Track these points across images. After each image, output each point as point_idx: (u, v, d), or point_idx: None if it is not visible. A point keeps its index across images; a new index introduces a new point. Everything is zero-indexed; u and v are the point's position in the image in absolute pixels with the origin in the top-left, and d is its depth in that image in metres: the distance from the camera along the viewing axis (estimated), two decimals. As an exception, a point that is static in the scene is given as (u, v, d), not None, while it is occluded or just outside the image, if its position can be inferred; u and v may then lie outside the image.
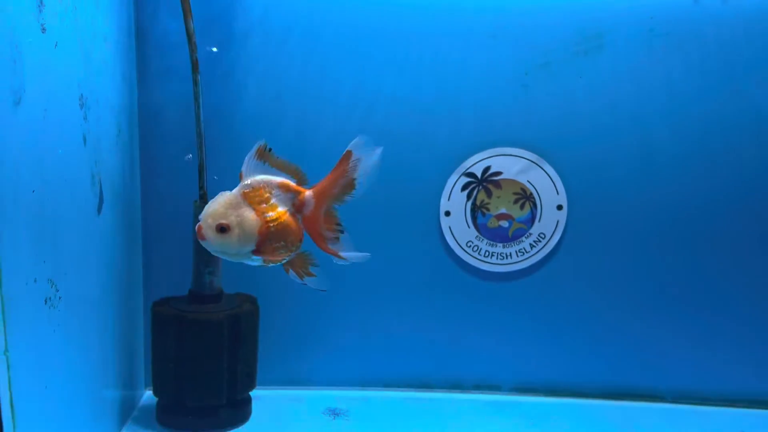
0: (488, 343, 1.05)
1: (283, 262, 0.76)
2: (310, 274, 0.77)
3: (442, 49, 0.96)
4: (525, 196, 1.01)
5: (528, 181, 1.00)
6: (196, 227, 0.72)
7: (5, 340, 0.57)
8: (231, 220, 0.71)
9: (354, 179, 0.75)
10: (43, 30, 0.64)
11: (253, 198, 0.73)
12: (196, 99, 0.88)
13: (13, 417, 0.59)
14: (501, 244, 1.02)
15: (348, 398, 1.03)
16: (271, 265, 0.75)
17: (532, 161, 0.99)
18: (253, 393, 0.96)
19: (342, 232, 0.76)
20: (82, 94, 0.73)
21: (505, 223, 1.02)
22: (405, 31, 0.96)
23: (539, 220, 1.01)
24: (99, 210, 0.80)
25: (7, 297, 0.57)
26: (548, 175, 0.99)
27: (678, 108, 0.96)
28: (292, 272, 0.77)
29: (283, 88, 0.97)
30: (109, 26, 0.82)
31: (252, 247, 0.72)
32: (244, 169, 0.73)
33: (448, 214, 1.01)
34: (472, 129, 0.99)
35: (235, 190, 0.73)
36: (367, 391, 1.06)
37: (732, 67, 0.94)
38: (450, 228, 1.02)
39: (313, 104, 0.97)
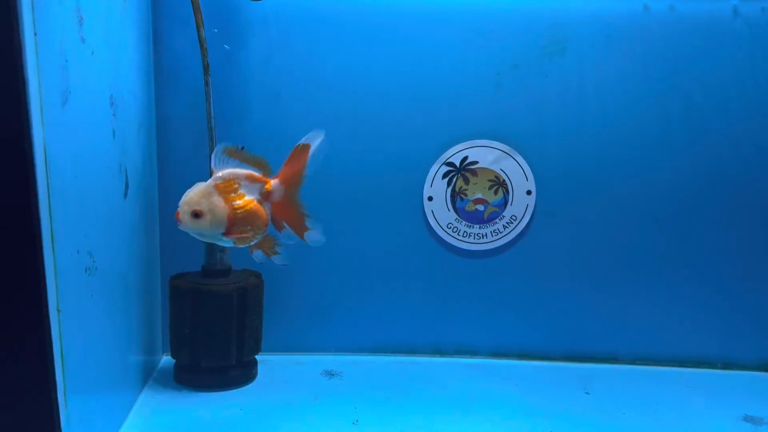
0: (466, 313, 1.15)
1: (251, 244, 0.86)
2: (275, 252, 0.88)
3: (425, 52, 1.06)
4: (498, 183, 1.12)
5: (501, 169, 1.11)
6: (175, 213, 0.82)
7: (57, 299, 0.68)
8: (203, 207, 0.82)
9: (308, 166, 0.86)
10: (83, 41, 0.75)
11: (223, 188, 0.83)
12: (207, 98, 0.99)
13: (63, 367, 0.68)
14: (478, 226, 1.13)
15: (342, 362, 1.12)
16: (241, 246, 0.86)
17: (505, 152, 1.10)
18: (258, 357, 1.06)
19: (308, 215, 0.87)
20: (112, 95, 0.84)
21: (481, 207, 1.13)
22: (393, 36, 1.05)
23: (511, 204, 1.12)
24: (125, 195, 0.91)
25: (59, 264, 0.68)
26: (519, 164, 1.11)
27: (631, 101, 1.07)
28: (258, 251, 0.88)
29: (281, 86, 1.06)
30: (132, 35, 0.93)
31: (222, 230, 0.83)
32: (212, 165, 0.84)
33: (430, 199, 1.12)
34: (451, 123, 1.08)
35: (208, 182, 0.84)
36: (358, 356, 1.15)
37: (674, 65, 1.05)
38: (432, 212, 1.12)
39: (309, 101, 1.06)
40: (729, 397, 1.04)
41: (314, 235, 0.87)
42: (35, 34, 0.61)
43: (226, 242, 0.85)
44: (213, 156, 0.84)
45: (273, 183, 0.85)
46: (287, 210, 0.87)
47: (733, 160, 1.09)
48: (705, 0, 1.03)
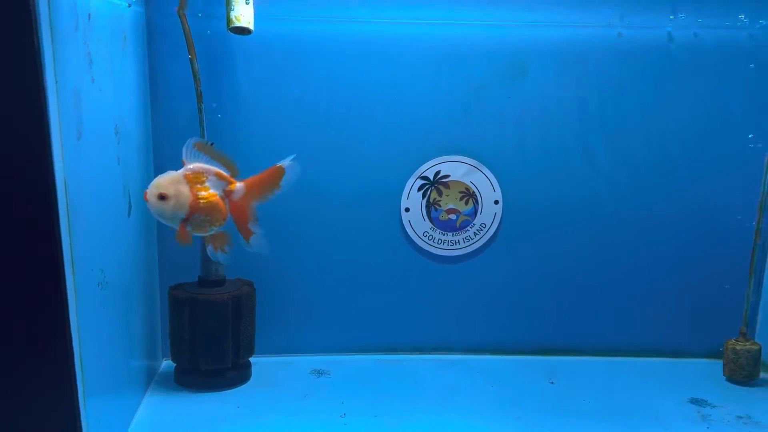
0: (442, 313, 1.23)
1: (206, 234, 0.93)
2: (223, 251, 0.95)
3: (400, 76, 1.14)
4: (469, 194, 1.21)
5: (471, 181, 1.20)
6: (143, 192, 0.89)
7: (77, 312, 0.76)
8: (170, 191, 0.89)
9: (279, 186, 0.95)
10: (93, 80, 0.83)
11: (191, 179, 0.90)
12: (201, 123, 1.08)
13: (82, 372, 0.75)
14: (451, 233, 1.22)
15: (329, 362, 1.19)
16: (196, 233, 0.93)
17: (473, 166, 1.19)
18: (252, 359, 1.13)
19: (256, 221, 0.96)
20: (116, 125, 0.92)
21: (453, 216, 1.21)
22: (372, 62, 1.13)
23: (480, 213, 1.21)
24: (129, 213, 0.99)
25: (78, 281, 0.76)
26: (486, 176, 1.20)
27: (588, 117, 1.16)
28: (210, 246, 0.95)
29: (270, 109, 1.13)
30: (132, 69, 1.00)
31: (182, 216, 0.90)
32: (183, 156, 0.91)
33: (407, 210, 1.20)
34: (425, 141, 1.16)
35: (179, 171, 0.91)
36: (344, 355, 1.22)
37: (622, 83, 1.15)
38: (409, 221, 1.21)
39: (296, 122, 1.14)
40: (678, 383, 1.15)
41: (257, 241, 0.96)
42: (56, 82, 0.70)
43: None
44: (184, 148, 0.91)
45: (237, 185, 0.94)
46: (241, 212, 0.95)
47: (679, 165, 1.19)
48: (645, 27, 1.13)
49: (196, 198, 0.90)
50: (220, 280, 1.10)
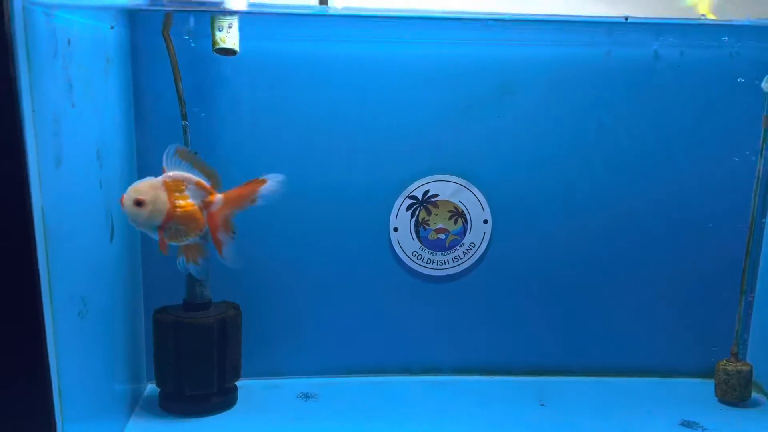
0: (431, 334, 1.22)
1: (181, 244, 0.91)
2: (196, 263, 0.93)
3: (390, 96, 1.13)
4: (458, 214, 1.21)
5: (460, 201, 1.19)
6: (121, 196, 0.86)
7: (55, 342, 0.75)
8: (147, 197, 0.86)
9: (258, 198, 0.94)
10: (73, 106, 0.82)
11: (171, 187, 0.88)
12: (186, 144, 1.07)
13: (60, 399, 0.75)
14: (440, 253, 1.21)
15: (317, 384, 1.18)
16: (171, 242, 0.91)
17: (462, 185, 1.19)
18: (238, 383, 1.12)
19: (234, 234, 0.94)
20: (98, 149, 0.91)
21: (442, 236, 1.21)
22: (361, 82, 1.12)
23: (470, 233, 1.20)
24: (111, 238, 0.98)
25: (56, 310, 0.75)
26: (475, 196, 1.19)
27: (573, 135, 1.16)
28: (182, 257, 0.93)
29: (255, 129, 1.12)
30: (115, 91, 0.99)
31: (158, 223, 0.88)
32: (164, 163, 0.89)
33: (396, 229, 1.20)
34: (413, 160, 1.16)
35: (159, 177, 0.89)
36: (332, 378, 1.20)
37: (609, 101, 1.15)
38: (398, 241, 1.20)
39: (283, 141, 1.13)
40: (669, 403, 1.14)
41: (230, 254, 0.94)
42: (33, 111, 0.69)
43: (156, 235, 0.90)
44: (165, 154, 0.89)
45: (217, 197, 0.92)
46: (218, 224, 0.93)
47: (669, 183, 1.19)
48: (633, 45, 1.13)
49: (174, 206, 0.88)
50: (205, 304, 1.09)
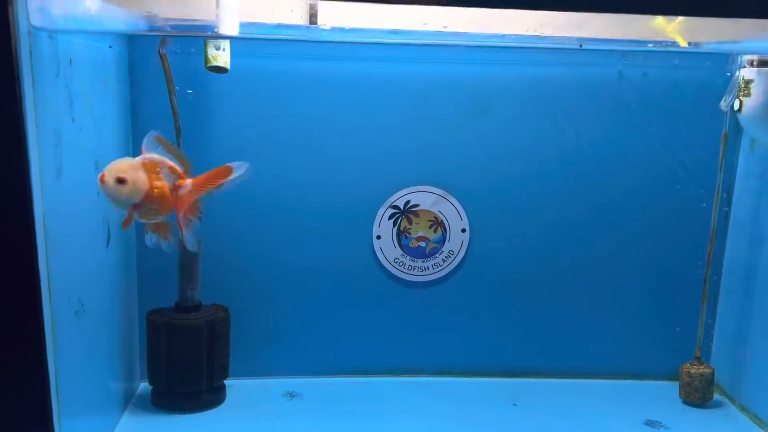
0: (412, 337, 1.27)
1: (150, 222, 0.94)
2: (167, 239, 0.96)
3: (374, 113, 1.19)
4: (437, 223, 1.26)
5: (439, 210, 1.24)
6: (100, 175, 0.87)
7: (53, 339, 0.81)
8: (129, 176, 0.88)
9: (223, 185, 0.97)
10: (73, 120, 0.88)
11: (148, 167, 0.90)
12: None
13: (57, 396, 0.80)
14: (420, 260, 1.27)
15: (302, 384, 1.23)
16: (142, 220, 0.93)
17: (441, 196, 1.24)
18: (227, 381, 1.17)
19: (200, 218, 0.98)
20: (96, 160, 0.98)
21: (423, 244, 1.26)
22: (346, 100, 1.18)
23: (449, 241, 1.26)
24: (108, 243, 1.04)
25: (55, 311, 0.81)
26: (454, 205, 1.25)
27: (544, 148, 1.22)
28: (153, 235, 0.96)
29: (246, 141, 1.18)
30: (113, 105, 1.05)
31: (135, 201, 0.90)
32: (143, 145, 0.92)
33: (379, 237, 1.25)
34: (396, 172, 1.22)
35: (137, 158, 0.91)
36: (317, 378, 1.26)
37: (569, 119, 1.21)
38: (381, 248, 1.26)
39: (272, 153, 1.19)
40: (635, 404, 1.20)
41: (190, 235, 0.97)
42: (36, 126, 0.75)
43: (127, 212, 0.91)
44: (146, 138, 0.92)
45: (187, 181, 0.95)
46: (184, 207, 0.96)
47: (635, 193, 1.25)
48: (595, 66, 1.20)
49: (152, 187, 0.90)
50: (196, 306, 1.14)
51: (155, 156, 0.92)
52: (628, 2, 0.71)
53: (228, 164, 0.97)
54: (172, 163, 0.94)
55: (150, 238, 0.96)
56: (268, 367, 1.26)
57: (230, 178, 0.97)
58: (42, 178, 0.77)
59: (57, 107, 0.82)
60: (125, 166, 0.89)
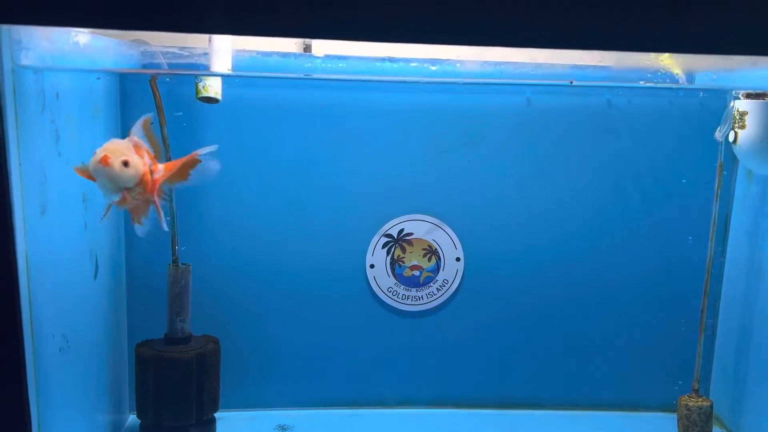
0: (406, 368, 1.26)
1: (129, 206, 0.89)
2: (140, 222, 0.92)
3: (368, 140, 1.18)
4: (431, 251, 1.25)
5: (433, 239, 1.24)
6: (101, 157, 0.81)
7: (35, 378, 0.79)
8: (132, 159, 0.84)
9: (189, 174, 0.93)
10: (59, 155, 0.87)
11: (139, 152, 0.86)
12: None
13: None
14: (414, 289, 1.25)
15: (294, 416, 1.21)
16: (122, 204, 0.89)
17: (436, 224, 1.23)
18: (217, 414, 1.15)
19: (167, 199, 0.94)
20: (84, 192, 0.96)
21: (416, 273, 1.25)
22: (340, 127, 1.18)
23: (443, 270, 1.25)
24: (95, 276, 1.03)
25: (37, 349, 0.80)
26: (448, 234, 1.24)
27: (539, 177, 1.21)
28: (136, 222, 0.91)
29: (236, 168, 1.17)
30: (102, 137, 1.04)
31: (131, 185, 0.86)
32: (133, 130, 0.88)
33: (372, 266, 1.24)
34: (389, 201, 1.21)
35: (127, 141, 0.87)
36: (309, 410, 1.24)
37: (563, 146, 1.21)
38: (374, 277, 1.25)
39: (263, 180, 1.18)
40: (632, 437, 1.19)
41: (163, 218, 0.92)
42: (20, 164, 0.74)
43: (117, 197, 0.87)
44: (138, 122, 0.89)
45: (159, 166, 0.91)
46: (156, 190, 0.91)
47: (632, 222, 1.24)
48: (589, 95, 1.20)
49: (146, 171, 0.87)
50: (185, 338, 1.13)
51: (138, 139, 0.88)
52: (617, 40, 0.70)
53: (195, 152, 0.93)
54: (147, 149, 0.90)
55: (140, 228, 0.92)
56: (259, 399, 1.25)
57: (197, 167, 0.93)
58: (25, 216, 0.76)
59: (43, 143, 0.81)
60: (124, 148, 0.84)
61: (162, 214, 0.93)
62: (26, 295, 0.75)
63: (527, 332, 1.27)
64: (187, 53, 1.05)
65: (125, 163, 0.84)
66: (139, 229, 0.93)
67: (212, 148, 0.93)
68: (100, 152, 0.82)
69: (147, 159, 0.90)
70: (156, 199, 0.92)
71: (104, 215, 0.93)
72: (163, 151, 0.95)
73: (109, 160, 0.82)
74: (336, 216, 1.22)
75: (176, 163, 0.94)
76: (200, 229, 1.19)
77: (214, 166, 0.94)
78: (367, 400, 1.27)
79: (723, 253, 1.23)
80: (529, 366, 1.28)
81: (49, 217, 0.83)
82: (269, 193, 1.20)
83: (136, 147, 0.88)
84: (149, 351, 1.10)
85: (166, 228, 0.94)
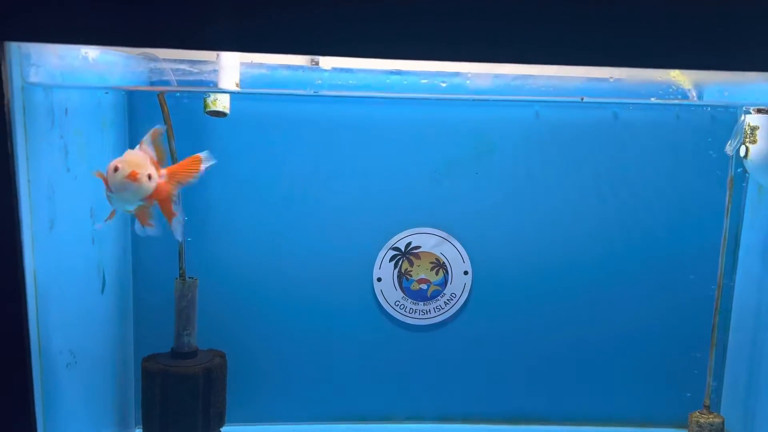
0: (414, 381, 1.24)
1: (136, 211, 0.89)
2: (151, 225, 0.91)
3: (375, 154, 1.18)
4: (439, 265, 1.25)
5: (441, 252, 1.23)
6: (130, 173, 0.82)
7: (42, 392, 0.79)
8: (152, 172, 0.85)
9: (193, 176, 0.92)
10: (68, 170, 0.87)
11: (153, 162, 0.86)
12: (178, 198, 1.12)
13: None
14: (422, 303, 1.25)
15: (300, 431, 1.21)
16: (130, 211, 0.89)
17: (443, 237, 1.23)
18: (224, 429, 1.14)
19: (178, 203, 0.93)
20: (92, 207, 0.96)
21: (424, 286, 1.25)
22: (348, 141, 1.17)
23: (451, 283, 1.24)
24: (102, 291, 1.03)
25: (44, 365, 0.80)
26: (456, 248, 1.23)
27: (547, 190, 1.20)
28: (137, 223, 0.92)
29: (243, 181, 1.17)
30: (110, 151, 1.04)
31: (149, 194, 0.86)
32: (145, 139, 0.88)
33: (379, 280, 1.24)
34: (397, 214, 1.20)
35: (141, 152, 0.87)
36: (315, 424, 1.23)
37: (572, 159, 1.20)
38: (381, 291, 1.24)
39: (271, 193, 1.18)
40: (644, 455, 1.17)
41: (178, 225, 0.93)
42: (29, 182, 0.74)
43: (132, 207, 0.88)
44: (151, 132, 0.88)
45: (162, 171, 0.90)
46: (163, 196, 0.91)
47: (642, 235, 1.23)
48: (596, 109, 1.20)
49: (163, 181, 0.87)
50: (192, 352, 1.12)
51: (147, 148, 0.88)
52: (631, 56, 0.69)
53: (197, 154, 0.93)
54: (153, 156, 0.90)
55: (152, 230, 0.91)
56: (265, 413, 1.24)
57: (200, 168, 0.92)
58: (34, 231, 0.76)
59: (51, 159, 0.82)
60: (142, 161, 0.85)
61: (177, 220, 0.93)
62: (34, 310, 0.75)
63: (535, 347, 1.25)
64: (196, 70, 1.05)
65: (149, 177, 0.85)
66: (151, 231, 0.93)
67: (212, 161, 0.93)
68: (122, 166, 0.82)
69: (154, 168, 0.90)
70: (170, 205, 0.93)
71: (108, 218, 0.91)
72: (169, 162, 0.94)
73: (138, 176, 0.83)
74: (343, 229, 1.21)
75: (177, 168, 0.93)
76: (207, 242, 1.19)
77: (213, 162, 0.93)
78: (375, 414, 1.26)
79: (734, 267, 1.22)
80: (537, 381, 1.26)
81: (57, 231, 0.83)
82: (276, 206, 1.20)
83: (151, 158, 0.88)
84: (156, 365, 1.09)
85: (180, 238, 0.94)
